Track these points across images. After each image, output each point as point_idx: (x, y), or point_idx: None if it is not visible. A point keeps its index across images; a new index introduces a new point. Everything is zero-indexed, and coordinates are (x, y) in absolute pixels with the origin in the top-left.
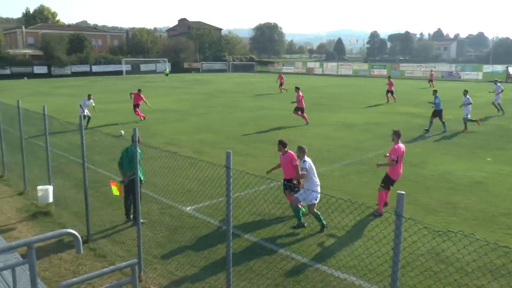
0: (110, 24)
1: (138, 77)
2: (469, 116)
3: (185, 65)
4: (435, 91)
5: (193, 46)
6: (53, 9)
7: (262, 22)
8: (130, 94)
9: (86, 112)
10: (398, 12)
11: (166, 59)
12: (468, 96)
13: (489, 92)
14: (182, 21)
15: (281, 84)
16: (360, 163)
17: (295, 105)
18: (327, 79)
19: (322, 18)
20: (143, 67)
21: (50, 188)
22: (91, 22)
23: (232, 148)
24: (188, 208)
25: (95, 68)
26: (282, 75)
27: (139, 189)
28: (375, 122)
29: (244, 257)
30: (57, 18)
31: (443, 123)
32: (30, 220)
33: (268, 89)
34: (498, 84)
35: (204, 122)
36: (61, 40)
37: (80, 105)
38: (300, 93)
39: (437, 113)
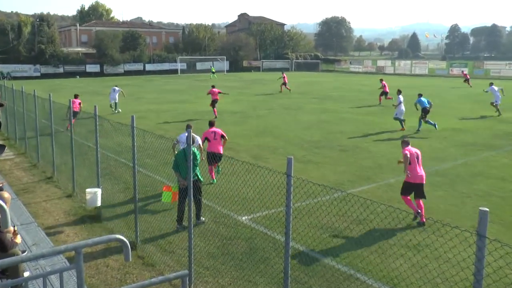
0: (165, 20)
1: (193, 76)
2: (401, 117)
3: (244, 63)
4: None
5: (253, 43)
6: (107, 6)
7: (329, 16)
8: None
9: (115, 100)
10: (483, 2)
11: (224, 57)
12: (400, 96)
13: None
14: (242, 16)
15: (284, 84)
16: (435, 174)
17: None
18: (399, 78)
19: (395, 11)
20: (199, 66)
21: (99, 191)
22: (146, 18)
23: (293, 154)
24: (244, 218)
25: (148, 67)
26: (285, 74)
27: (200, 189)
28: (454, 128)
29: (303, 274)
30: (111, 15)
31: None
32: (77, 223)
33: (334, 89)
34: (493, 86)
35: (264, 125)
36: (114, 38)
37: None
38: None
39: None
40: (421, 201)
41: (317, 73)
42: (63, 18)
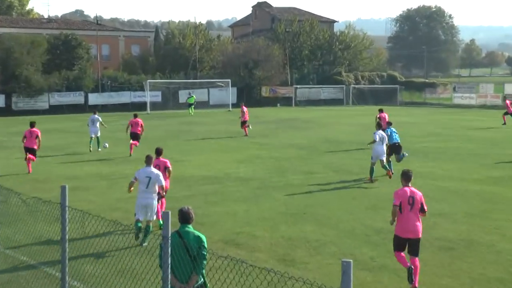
0: (125, 16)
1: (173, 115)
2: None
3: (264, 90)
4: (389, 123)
5: (280, 55)
6: None
7: (413, 6)
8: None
9: (94, 134)
10: None
11: (229, 80)
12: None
13: None
14: (260, 8)
15: (243, 123)
16: None
17: None
18: None
19: None
20: (183, 95)
21: None
22: (90, 13)
23: (352, 254)
24: None
25: (94, 98)
26: (246, 108)
27: None
28: None
29: None
30: (28, 6)
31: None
32: None
33: (428, 136)
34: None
35: (299, 202)
36: (33, 47)
37: (88, 124)
38: None
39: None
40: (416, 260)
41: (393, 107)
42: None
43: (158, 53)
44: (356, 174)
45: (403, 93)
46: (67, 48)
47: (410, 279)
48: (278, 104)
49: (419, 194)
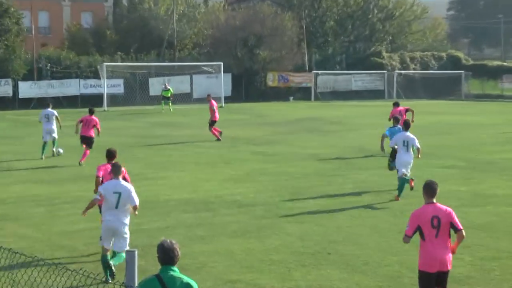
0: None
1: (143, 112)
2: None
3: (270, 78)
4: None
5: (292, 27)
6: None
7: None
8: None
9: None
10: None
11: (221, 63)
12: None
13: None
14: None
15: (212, 123)
16: None
17: None
18: None
19: None
20: (155, 85)
21: None
22: None
23: None
24: None
25: (26, 89)
26: (215, 103)
27: None
28: None
29: None
30: None
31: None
32: None
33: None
34: None
35: (320, 236)
36: None
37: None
38: None
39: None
40: None
41: (456, 101)
42: None
43: (119, 25)
44: (403, 198)
45: (471, 81)
46: None
47: None
48: (291, 98)
49: (446, 211)
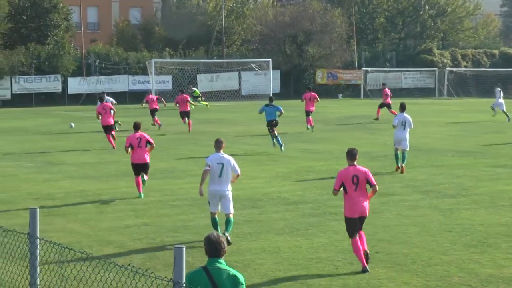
0: None
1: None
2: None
3: (319, 75)
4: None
5: (342, 24)
6: None
7: None
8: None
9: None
10: None
11: (270, 60)
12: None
13: None
14: None
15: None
16: None
17: None
18: None
19: None
20: (204, 81)
21: None
22: None
23: None
24: None
25: (75, 85)
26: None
27: None
28: None
29: None
30: None
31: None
32: None
33: None
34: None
35: (368, 235)
36: None
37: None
38: None
39: None
40: (362, 234)
41: (507, 100)
42: None
43: (167, 21)
44: (453, 197)
45: None
46: (37, 13)
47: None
48: (340, 95)
49: (363, 171)
